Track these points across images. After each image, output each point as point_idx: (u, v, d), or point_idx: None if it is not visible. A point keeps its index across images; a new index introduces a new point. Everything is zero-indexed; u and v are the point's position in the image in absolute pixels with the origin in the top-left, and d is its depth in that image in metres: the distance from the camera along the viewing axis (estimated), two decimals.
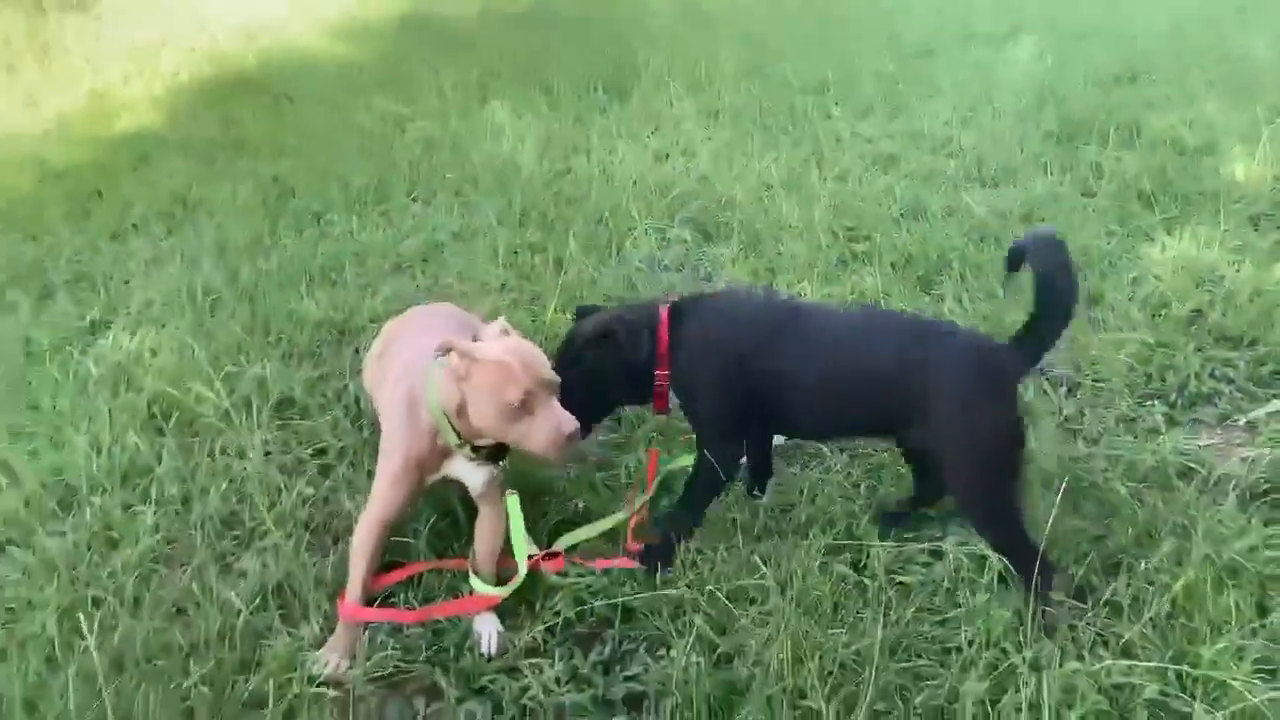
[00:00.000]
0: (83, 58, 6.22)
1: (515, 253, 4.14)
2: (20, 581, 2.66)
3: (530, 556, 2.72)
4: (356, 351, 3.51)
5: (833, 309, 3.00)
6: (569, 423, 2.44)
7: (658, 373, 2.73)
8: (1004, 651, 2.43)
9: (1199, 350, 3.60)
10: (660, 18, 7.19)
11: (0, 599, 2.62)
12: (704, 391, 2.72)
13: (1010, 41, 6.66)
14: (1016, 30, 6.91)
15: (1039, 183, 4.69)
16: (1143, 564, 2.66)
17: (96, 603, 2.59)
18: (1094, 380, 3.46)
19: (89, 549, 2.76)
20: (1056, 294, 2.45)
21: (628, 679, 2.44)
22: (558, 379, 2.51)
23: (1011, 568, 2.57)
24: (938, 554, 2.76)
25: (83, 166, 4.82)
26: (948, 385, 2.49)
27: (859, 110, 5.63)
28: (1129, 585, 2.61)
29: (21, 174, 4.75)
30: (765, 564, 2.67)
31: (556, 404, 2.47)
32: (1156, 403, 3.37)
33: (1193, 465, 3.08)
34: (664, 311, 2.75)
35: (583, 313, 2.93)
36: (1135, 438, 3.21)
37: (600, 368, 2.73)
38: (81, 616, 2.47)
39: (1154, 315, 3.79)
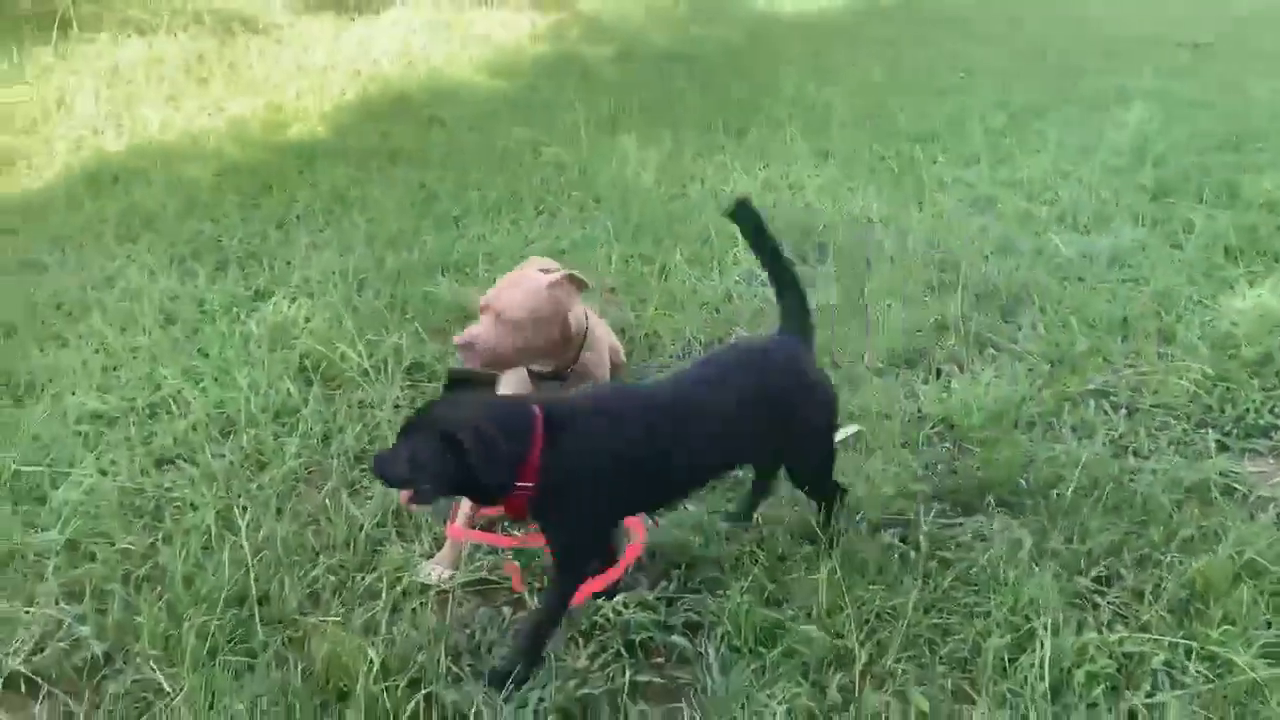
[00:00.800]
0: (263, 74, 6.95)
1: (627, 261, 4.57)
2: (185, 486, 3.15)
3: None
4: None
5: (678, 377, 2.89)
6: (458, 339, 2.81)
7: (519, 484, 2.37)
8: (1026, 618, 2.71)
9: (1263, 389, 3.78)
10: (787, 67, 7.60)
11: (169, 497, 3.12)
12: (585, 505, 2.49)
13: (1120, 106, 6.86)
14: (1127, 95, 7.10)
15: (1129, 232, 4.91)
16: (1168, 557, 2.91)
17: (245, 509, 3.07)
18: (1153, 405, 3.68)
19: (242, 467, 3.25)
20: (781, 274, 2.85)
21: (687, 610, 2.79)
22: (496, 308, 2.81)
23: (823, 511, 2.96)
24: (982, 538, 3.04)
25: (256, 165, 5.46)
26: (784, 395, 2.73)
27: (964, 159, 5.92)
28: (1152, 574, 2.86)
29: (205, 167, 5.41)
30: (818, 529, 3.01)
31: (476, 328, 2.82)
32: (1211, 430, 3.56)
33: (1236, 485, 3.28)
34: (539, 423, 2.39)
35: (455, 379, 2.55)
36: (1187, 459, 3.42)
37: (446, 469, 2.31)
38: (236, 512, 2.97)
39: (1222, 353, 3.97)
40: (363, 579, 2.81)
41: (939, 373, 3.87)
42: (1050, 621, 2.65)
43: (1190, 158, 5.89)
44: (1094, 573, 2.88)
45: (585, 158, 5.76)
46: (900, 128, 6.37)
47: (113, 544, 2.91)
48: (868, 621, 2.71)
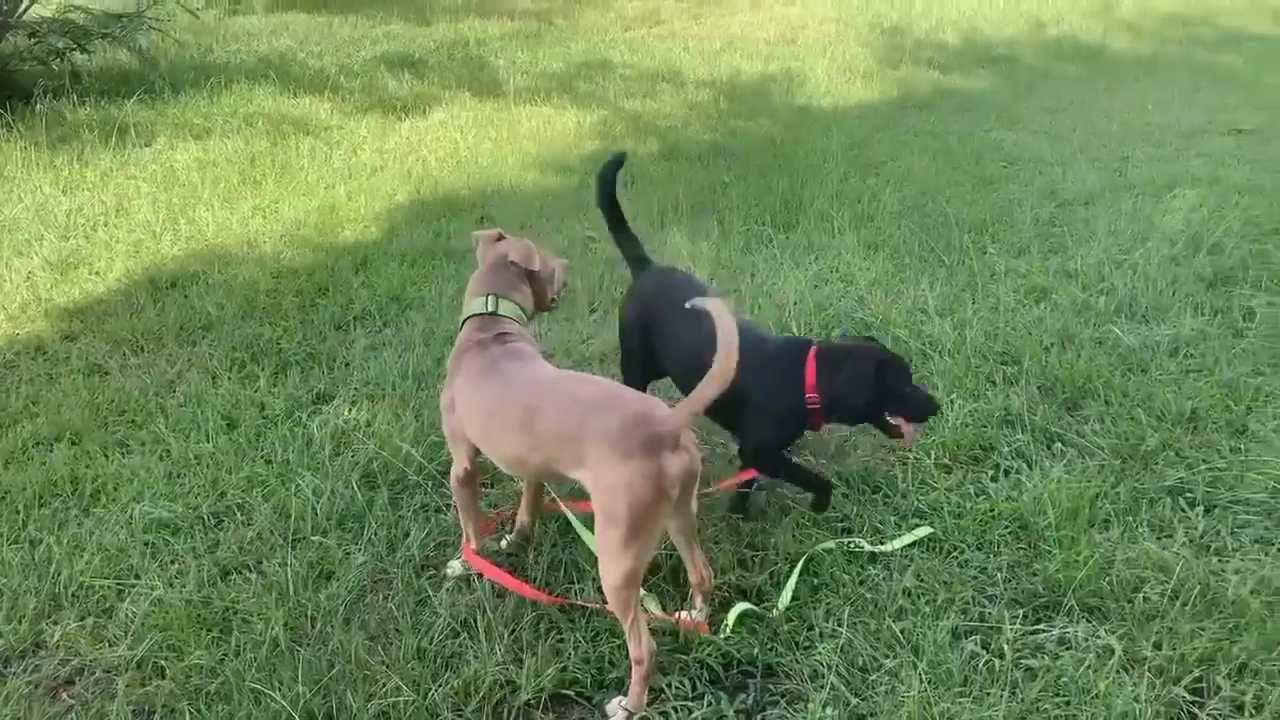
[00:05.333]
0: (315, 176, 7.05)
1: None
2: (252, 597, 3.12)
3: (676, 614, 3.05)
4: None
5: None
6: None
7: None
8: None
9: None
10: (831, 160, 7.64)
11: (236, 609, 3.08)
12: None
13: (1169, 194, 6.83)
14: (1176, 183, 7.07)
15: (1189, 321, 4.85)
16: (1267, 665, 2.81)
17: (314, 621, 3.04)
18: (1231, 501, 3.59)
19: (309, 576, 3.22)
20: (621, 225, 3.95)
21: None
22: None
23: None
24: (1068, 644, 2.95)
25: (312, 267, 5.50)
26: None
27: (1015, 249, 5.89)
28: (1252, 684, 2.76)
29: (261, 269, 5.46)
30: (899, 638, 2.94)
31: None
32: None
33: None
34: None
35: None
36: (1273, 557, 3.32)
37: None
38: (305, 623, 2.93)
39: None
40: (436, 693, 2.75)
41: (1007, 470, 3.80)
42: None
43: (1246, 244, 5.84)
44: (1189, 682, 2.79)
45: None
46: (948, 218, 6.36)
47: (181, 658, 2.88)
48: None
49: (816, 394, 3.24)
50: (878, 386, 3.21)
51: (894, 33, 13.43)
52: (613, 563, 2.61)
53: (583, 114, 9.05)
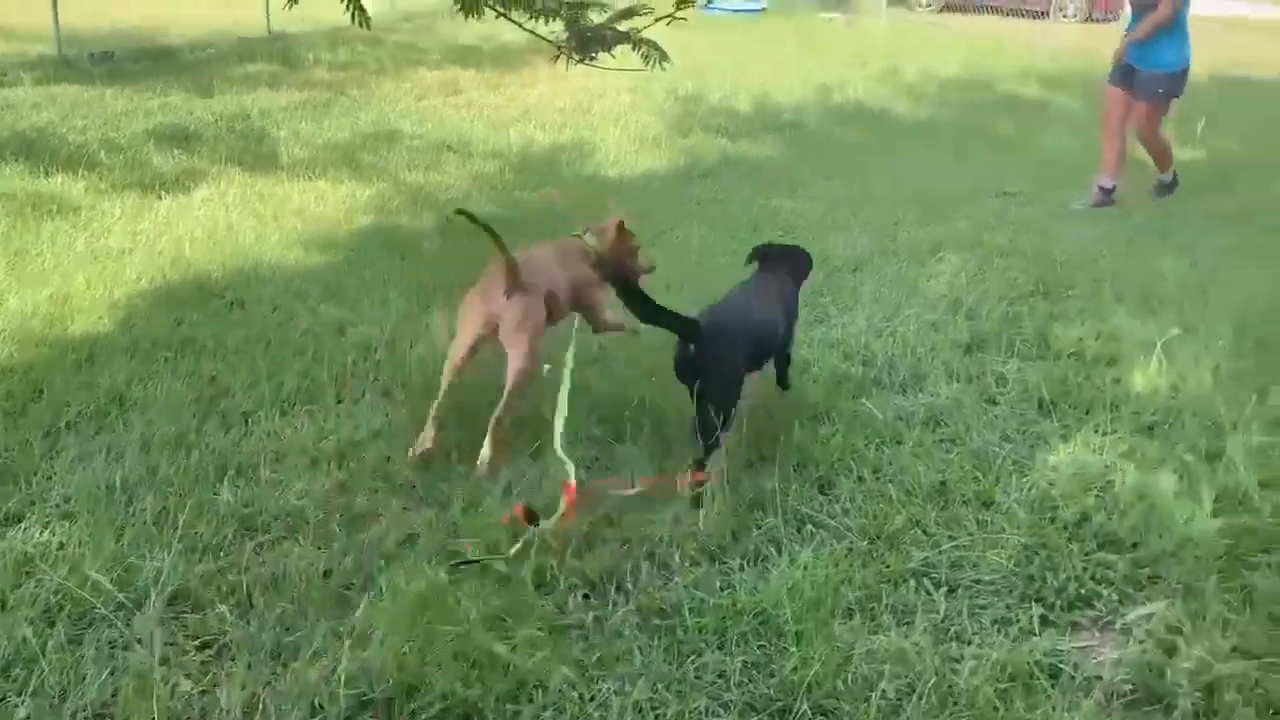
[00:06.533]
0: (53, 262, 6.48)
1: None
2: None
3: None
4: (259, 549, 3.63)
5: None
6: None
7: None
8: None
9: (1083, 554, 3.70)
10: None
11: None
12: None
13: (934, 257, 7.00)
14: (942, 246, 7.27)
15: (944, 390, 4.89)
16: None
17: None
18: (974, 580, 3.55)
19: None
20: None
21: None
22: None
23: None
24: None
25: (29, 365, 4.97)
26: None
27: None
28: None
29: None
30: None
31: None
32: (1034, 604, 3.44)
33: (1061, 665, 3.15)
34: None
35: None
36: (1010, 639, 3.28)
37: None
38: None
39: (1041, 518, 3.90)
40: None
41: (756, 558, 3.66)
42: None
43: (1002, 308, 5.99)
44: None
45: (393, 335, 5.48)
46: (718, 289, 6.29)
47: None
48: None
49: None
50: None
51: (688, 100, 13.62)
52: None
53: (360, 187, 8.72)
